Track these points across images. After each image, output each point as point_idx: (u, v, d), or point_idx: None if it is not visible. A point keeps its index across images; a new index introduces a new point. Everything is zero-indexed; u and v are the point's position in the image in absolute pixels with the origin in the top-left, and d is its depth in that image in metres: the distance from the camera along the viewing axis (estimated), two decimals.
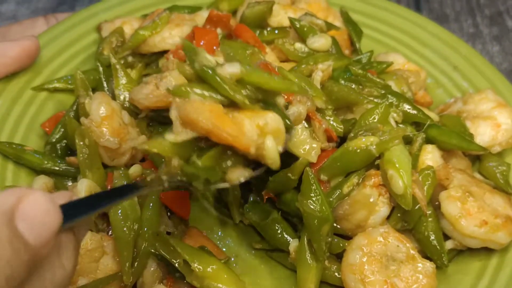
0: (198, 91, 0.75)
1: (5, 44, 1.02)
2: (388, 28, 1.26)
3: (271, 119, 0.77)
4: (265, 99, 0.79)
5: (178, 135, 0.75)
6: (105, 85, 1.08)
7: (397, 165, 0.87)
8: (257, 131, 0.75)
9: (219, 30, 1.07)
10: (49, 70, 1.12)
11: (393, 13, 1.27)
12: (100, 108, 0.94)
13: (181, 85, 0.76)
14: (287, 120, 0.81)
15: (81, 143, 0.93)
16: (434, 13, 1.60)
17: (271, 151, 0.76)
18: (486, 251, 0.93)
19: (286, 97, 0.86)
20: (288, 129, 0.81)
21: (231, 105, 0.76)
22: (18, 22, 1.24)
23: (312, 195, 0.87)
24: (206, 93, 0.74)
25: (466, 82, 1.16)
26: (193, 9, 1.24)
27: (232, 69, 0.76)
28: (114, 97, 1.03)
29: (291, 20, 1.08)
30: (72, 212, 0.57)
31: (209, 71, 0.74)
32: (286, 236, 0.94)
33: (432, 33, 1.23)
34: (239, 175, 0.77)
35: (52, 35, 1.16)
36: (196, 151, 0.77)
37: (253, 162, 0.78)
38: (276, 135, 0.78)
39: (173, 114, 0.75)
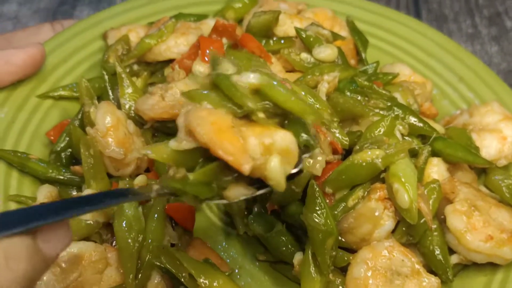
0: (211, 96, 0.72)
1: (11, 51, 1.02)
2: (394, 37, 1.25)
3: (281, 138, 0.71)
4: (286, 114, 0.75)
5: (180, 143, 0.72)
6: (110, 93, 1.08)
7: (402, 179, 0.87)
8: (261, 150, 0.70)
9: (224, 40, 1.07)
10: (54, 78, 1.12)
11: (399, 22, 1.27)
12: (105, 118, 0.93)
13: (195, 89, 0.73)
14: (309, 139, 0.75)
15: (86, 153, 0.92)
16: (433, 14, 1.60)
17: (274, 173, 0.71)
18: (491, 266, 0.93)
19: None
20: (308, 149, 0.77)
21: (245, 118, 0.72)
22: (24, 28, 1.24)
23: (317, 208, 0.86)
24: (218, 99, 0.72)
25: (472, 93, 1.16)
26: (199, 17, 1.24)
27: (250, 79, 0.73)
28: (119, 106, 1.03)
29: (297, 30, 1.08)
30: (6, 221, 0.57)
31: (223, 78, 0.72)
32: (290, 248, 0.93)
33: (438, 43, 1.22)
34: (238, 193, 0.74)
35: (58, 42, 1.16)
36: (201, 162, 0.74)
37: (259, 181, 0.74)
38: (284, 155, 0.72)
39: (180, 120, 0.72)
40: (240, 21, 1.26)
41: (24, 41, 1.18)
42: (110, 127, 0.93)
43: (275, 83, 0.72)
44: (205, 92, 0.73)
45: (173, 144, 0.72)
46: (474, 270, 0.94)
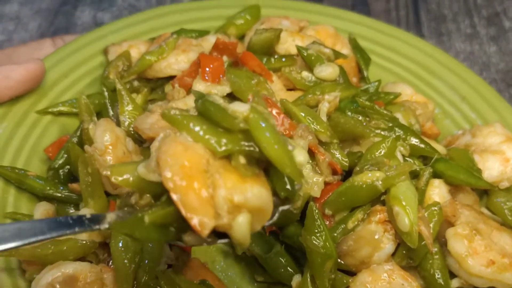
0: (193, 126, 0.66)
1: (10, 67, 1.02)
2: (397, 55, 1.24)
3: (255, 195, 0.65)
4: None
5: (149, 172, 0.66)
6: (110, 110, 1.07)
7: (403, 202, 0.85)
8: (229, 206, 0.64)
9: (225, 58, 1.06)
10: (54, 93, 1.11)
11: (402, 40, 1.26)
12: (104, 136, 0.93)
13: (177, 110, 0.67)
14: (292, 191, 0.69)
15: (84, 171, 0.91)
16: (432, 14, 1.61)
17: (239, 233, 0.65)
18: None
19: (287, 132, 0.84)
20: (289, 200, 0.71)
21: (224, 159, 0.66)
22: (25, 44, 1.24)
23: (316, 230, 0.85)
24: (201, 132, 0.65)
25: (474, 113, 1.15)
26: (201, 33, 1.23)
27: (240, 108, 0.66)
28: (118, 122, 1.02)
29: (299, 48, 1.07)
30: None
31: (211, 102, 0.67)
32: (289, 270, 0.92)
33: (441, 62, 1.22)
34: (198, 240, 0.68)
35: (58, 57, 1.16)
36: (165, 196, 0.66)
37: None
38: (256, 213, 0.66)
39: (154, 146, 0.67)
40: (241, 37, 1.26)
41: (25, 57, 1.17)
42: (109, 145, 0.92)
43: (263, 124, 0.65)
44: (188, 115, 0.67)
45: (141, 171, 0.67)
46: None
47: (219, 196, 0.63)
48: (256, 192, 0.65)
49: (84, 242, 0.85)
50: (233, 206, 0.64)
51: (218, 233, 0.67)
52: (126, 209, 0.71)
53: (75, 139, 1.01)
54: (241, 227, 0.65)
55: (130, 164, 0.70)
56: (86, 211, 0.88)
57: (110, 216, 0.70)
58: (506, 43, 1.50)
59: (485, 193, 1.04)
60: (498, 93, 1.19)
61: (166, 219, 0.66)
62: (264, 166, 0.69)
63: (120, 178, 0.68)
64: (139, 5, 1.64)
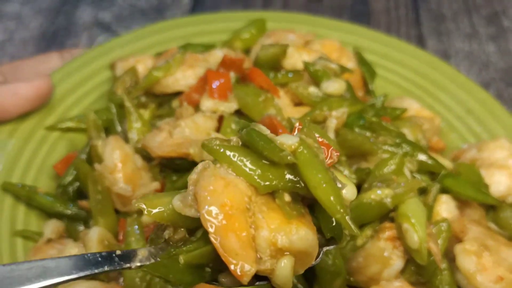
0: (235, 158, 0.60)
1: (19, 85, 1.02)
2: (402, 68, 1.24)
3: (300, 239, 0.60)
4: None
5: (185, 207, 0.61)
6: (118, 125, 1.07)
7: (412, 220, 0.85)
8: (271, 250, 0.59)
9: (232, 74, 1.06)
10: (62, 109, 1.12)
11: (407, 53, 1.26)
12: (113, 154, 0.93)
13: (218, 141, 0.62)
14: (338, 231, 0.64)
15: (94, 189, 0.91)
16: (432, 13, 1.61)
17: (281, 277, 0.60)
18: None
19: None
20: (334, 240, 0.66)
21: (267, 196, 0.61)
22: (32, 57, 1.24)
23: (326, 251, 0.85)
24: (244, 165, 0.60)
25: (480, 126, 1.15)
26: (207, 47, 1.23)
27: (288, 140, 0.62)
28: (126, 138, 1.02)
29: (306, 64, 1.07)
30: None
31: (257, 132, 0.62)
32: (299, 287, 0.92)
33: (446, 75, 1.22)
34: (232, 283, 0.63)
35: (65, 72, 1.16)
36: (201, 232, 0.63)
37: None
38: (299, 257, 0.61)
39: (191, 179, 0.62)
40: (247, 51, 1.26)
41: (33, 70, 1.17)
42: (118, 163, 0.92)
43: (312, 160, 0.60)
44: (230, 146, 0.62)
45: (177, 204, 0.62)
46: None
47: (261, 238, 0.59)
48: (302, 235, 0.61)
49: None
50: (276, 249, 0.59)
51: (257, 276, 0.62)
52: (159, 246, 0.66)
53: (83, 156, 1.00)
54: (284, 271, 0.60)
55: (164, 196, 0.65)
56: (96, 231, 0.88)
57: (142, 253, 0.65)
58: (505, 43, 1.51)
59: (491, 207, 1.04)
60: (498, 92, 1.20)
61: (202, 259, 0.63)
62: (309, 202, 0.65)
63: (153, 211, 0.63)
64: (139, 5, 1.64)
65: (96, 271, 0.63)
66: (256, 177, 0.60)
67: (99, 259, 0.64)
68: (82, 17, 1.60)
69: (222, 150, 0.61)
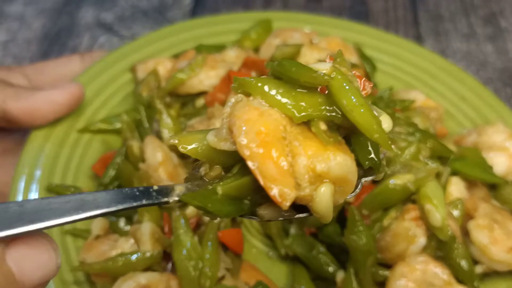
0: (268, 89, 0.59)
1: (54, 92, 1.06)
2: (399, 62, 1.33)
3: (339, 164, 0.58)
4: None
5: (220, 140, 0.60)
6: (147, 125, 1.12)
7: (434, 200, 0.95)
8: (310, 176, 0.58)
9: (253, 74, 1.12)
10: (90, 111, 1.16)
11: (403, 48, 1.35)
12: (155, 154, 0.98)
13: (251, 77, 0.61)
14: (376, 160, 0.62)
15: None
16: (430, 14, 1.66)
17: (322, 206, 0.59)
18: (509, 272, 1.02)
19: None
20: (372, 170, 0.64)
21: (303, 125, 0.60)
22: (54, 59, 1.27)
23: (357, 230, 0.94)
24: (278, 95, 0.58)
25: (474, 112, 1.25)
26: (218, 48, 1.29)
27: (320, 66, 0.60)
28: (159, 136, 1.08)
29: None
30: None
31: (290, 60, 0.60)
32: (332, 266, 1.00)
33: (440, 67, 1.31)
34: (274, 214, 0.62)
35: (89, 76, 1.20)
36: (239, 166, 0.61)
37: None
38: (339, 184, 0.60)
39: (225, 112, 0.61)
40: (256, 50, 1.33)
41: (56, 72, 1.21)
42: (161, 162, 0.98)
43: (346, 86, 0.59)
44: (262, 78, 0.60)
45: (211, 139, 0.61)
46: (495, 277, 1.03)
47: (299, 164, 0.57)
48: (340, 160, 0.58)
49: (151, 253, 0.91)
50: (315, 175, 0.58)
51: (296, 207, 0.61)
52: (196, 182, 0.64)
53: (121, 157, 1.06)
54: (324, 198, 0.59)
55: (198, 133, 0.63)
56: (148, 226, 0.94)
57: (179, 188, 0.63)
58: (503, 43, 1.56)
59: (492, 186, 1.14)
60: (495, 91, 1.29)
61: (241, 191, 0.61)
62: (345, 134, 0.62)
63: (188, 147, 0.62)
64: (141, 5, 1.68)
65: (134, 204, 0.62)
66: (290, 107, 0.58)
67: (137, 193, 0.62)
68: (84, 18, 1.63)
69: (254, 82, 0.59)
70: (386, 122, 0.63)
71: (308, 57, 1.19)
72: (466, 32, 1.61)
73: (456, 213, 1.00)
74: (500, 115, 1.23)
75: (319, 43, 1.28)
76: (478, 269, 1.01)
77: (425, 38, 1.59)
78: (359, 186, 0.65)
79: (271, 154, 0.56)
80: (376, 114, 0.61)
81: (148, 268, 0.92)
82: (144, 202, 0.62)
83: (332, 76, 0.59)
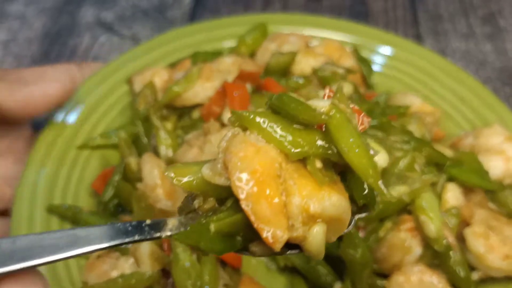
0: (265, 124, 0.59)
1: (48, 84, 1.06)
2: (399, 63, 1.32)
3: (333, 205, 0.58)
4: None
5: (215, 175, 0.59)
6: (145, 140, 1.13)
7: (429, 212, 0.95)
8: (303, 216, 0.58)
9: (248, 85, 1.12)
10: (88, 126, 1.17)
11: (402, 48, 1.33)
12: (152, 173, 0.99)
13: (249, 111, 0.60)
14: (371, 198, 0.62)
15: (139, 206, 0.98)
16: (429, 14, 1.65)
17: (314, 246, 0.59)
18: (506, 278, 1.02)
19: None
20: (367, 207, 0.65)
21: (298, 162, 0.59)
22: (52, 66, 1.26)
23: (353, 244, 0.95)
24: (275, 131, 0.58)
25: (473, 113, 1.23)
26: (214, 55, 1.29)
27: (319, 103, 0.60)
28: (156, 152, 1.09)
29: (314, 71, 1.14)
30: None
31: (287, 95, 0.60)
32: (330, 277, 1.01)
33: (439, 67, 1.29)
34: (264, 252, 0.62)
35: (85, 90, 1.20)
36: (231, 201, 0.60)
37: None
38: (332, 224, 0.60)
39: (222, 145, 0.61)
40: (252, 55, 1.32)
41: (55, 78, 1.20)
42: (158, 181, 0.99)
43: (344, 124, 0.58)
44: (260, 112, 0.60)
45: (206, 173, 0.60)
46: (491, 283, 1.03)
47: (293, 204, 0.58)
48: (334, 201, 0.59)
49: (150, 274, 0.93)
50: (308, 216, 0.58)
51: (288, 244, 0.61)
52: (189, 215, 0.64)
53: (119, 175, 1.06)
54: (317, 238, 0.59)
55: (193, 165, 0.63)
56: (147, 245, 0.95)
57: (172, 222, 0.64)
58: (501, 42, 1.55)
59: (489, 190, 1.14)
60: (494, 91, 1.27)
61: (233, 228, 0.60)
62: (341, 169, 0.62)
63: (183, 180, 0.61)
64: (141, 5, 1.68)
65: (127, 240, 0.62)
66: (286, 144, 0.59)
67: (129, 228, 0.63)
68: (85, 17, 1.63)
69: (251, 117, 0.59)
70: (383, 159, 0.65)
71: (303, 64, 1.19)
72: (465, 32, 1.60)
73: (452, 221, 1.00)
74: (499, 116, 1.22)
75: (316, 47, 1.28)
76: (475, 275, 1.01)
77: (424, 38, 1.58)
78: (353, 223, 0.66)
79: (265, 194, 0.57)
80: (373, 152, 0.60)
81: (147, 287, 0.94)
82: (136, 237, 0.63)
83: (330, 114, 0.59)
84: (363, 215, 0.67)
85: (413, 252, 0.98)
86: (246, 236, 0.61)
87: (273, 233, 0.56)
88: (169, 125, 1.17)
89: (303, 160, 0.60)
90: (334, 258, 1.02)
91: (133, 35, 1.60)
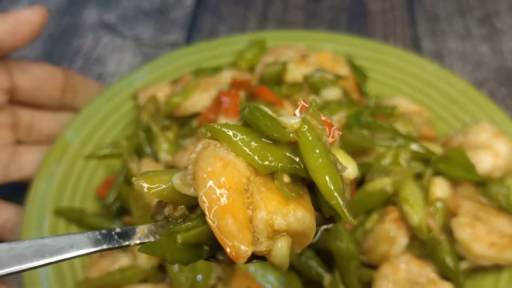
0: (236, 138, 0.59)
1: (27, 12, 1.09)
2: (391, 70, 1.34)
3: (298, 220, 0.59)
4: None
5: (184, 185, 0.60)
6: (148, 148, 1.18)
7: (411, 202, 0.96)
8: (268, 232, 0.59)
9: (241, 93, 1.17)
10: (96, 138, 1.23)
11: (394, 56, 1.36)
12: None
13: (220, 124, 0.61)
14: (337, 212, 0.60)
15: (136, 205, 1.02)
16: (427, 15, 1.66)
17: (278, 257, 0.60)
18: (496, 267, 1.01)
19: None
20: (333, 218, 0.66)
21: (267, 177, 0.60)
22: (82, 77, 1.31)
23: (340, 237, 0.96)
24: (244, 145, 0.59)
25: (464, 114, 1.25)
26: (215, 70, 1.34)
27: (290, 120, 0.61)
28: (157, 159, 1.13)
29: (305, 76, 1.18)
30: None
31: (258, 109, 0.61)
32: (320, 270, 1.02)
33: (431, 71, 1.32)
34: (230, 261, 0.60)
35: (95, 106, 1.27)
36: (200, 211, 0.61)
37: None
38: (297, 238, 0.61)
39: (192, 157, 0.61)
40: (251, 69, 1.37)
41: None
42: None
43: (313, 142, 0.59)
44: (231, 125, 0.61)
45: (177, 183, 0.61)
46: (481, 272, 1.02)
47: (258, 220, 0.58)
48: (299, 217, 0.59)
49: (146, 267, 0.96)
50: (273, 230, 0.59)
51: (255, 254, 0.61)
52: (158, 223, 0.65)
53: (122, 178, 1.12)
54: (281, 252, 0.60)
55: (164, 174, 0.63)
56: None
57: (141, 230, 0.64)
58: (498, 43, 1.55)
59: (481, 184, 1.13)
60: (490, 91, 1.27)
61: (200, 239, 0.61)
62: (309, 182, 0.63)
63: (153, 189, 0.62)
64: (143, 6, 1.72)
65: (95, 249, 0.62)
66: (255, 158, 0.59)
67: (99, 237, 0.62)
68: (88, 18, 1.68)
69: (222, 130, 0.60)
70: (352, 172, 0.65)
71: (295, 72, 1.23)
72: (462, 33, 1.60)
73: (437, 212, 1.00)
74: (490, 116, 1.23)
75: (311, 58, 1.31)
76: (464, 265, 1.01)
77: (421, 39, 1.58)
78: (318, 234, 0.66)
79: (231, 209, 0.57)
80: (341, 167, 0.62)
81: (144, 281, 0.97)
82: (104, 246, 0.63)
83: (302, 130, 0.60)
84: (330, 226, 0.68)
85: (399, 243, 0.98)
86: (213, 245, 0.61)
87: (237, 248, 0.57)
88: (171, 134, 1.22)
89: (271, 174, 0.61)
90: (324, 251, 1.03)
91: (135, 36, 1.62)
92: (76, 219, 1.09)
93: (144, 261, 0.97)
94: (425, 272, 0.96)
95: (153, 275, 0.98)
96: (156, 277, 0.99)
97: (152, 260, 0.98)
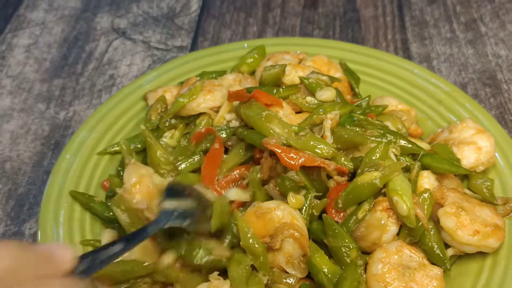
0: None
1: None
2: (381, 73, 1.34)
3: None
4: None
5: None
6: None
7: (400, 192, 0.96)
8: None
9: (236, 103, 1.16)
10: (109, 136, 1.22)
11: (384, 60, 1.36)
12: (130, 179, 0.99)
13: None
14: None
15: (119, 209, 0.98)
16: (416, 20, 1.67)
17: None
18: (481, 254, 1.00)
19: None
20: None
21: None
22: None
23: (334, 233, 0.97)
24: None
25: (450, 113, 1.24)
26: (219, 74, 1.35)
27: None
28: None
29: (301, 78, 1.17)
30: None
31: None
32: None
33: (418, 74, 1.32)
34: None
35: (108, 107, 1.27)
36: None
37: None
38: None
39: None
40: (252, 73, 1.37)
41: None
42: (135, 184, 0.98)
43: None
44: None
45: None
46: (467, 259, 1.02)
47: None
48: None
49: (148, 263, 0.94)
50: None
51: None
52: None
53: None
54: None
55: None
56: (106, 233, 1.03)
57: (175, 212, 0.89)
58: (482, 46, 1.56)
59: (465, 177, 1.13)
60: (475, 91, 1.26)
61: None
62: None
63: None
64: (152, 12, 1.73)
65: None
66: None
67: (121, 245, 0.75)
68: (100, 24, 1.68)
69: None
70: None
71: (292, 75, 1.22)
72: (449, 37, 1.61)
73: (424, 202, 1.00)
74: (473, 115, 1.22)
75: (306, 62, 1.31)
76: (450, 252, 1.00)
77: (411, 42, 1.58)
78: None
79: None
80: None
81: (146, 275, 0.95)
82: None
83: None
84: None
85: (390, 230, 0.98)
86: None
87: None
88: (177, 132, 1.22)
89: None
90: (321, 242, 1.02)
91: (145, 40, 1.63)
92: (85, 204, 1.09)
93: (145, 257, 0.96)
94: (416, 257, 0.96)
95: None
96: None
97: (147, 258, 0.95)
